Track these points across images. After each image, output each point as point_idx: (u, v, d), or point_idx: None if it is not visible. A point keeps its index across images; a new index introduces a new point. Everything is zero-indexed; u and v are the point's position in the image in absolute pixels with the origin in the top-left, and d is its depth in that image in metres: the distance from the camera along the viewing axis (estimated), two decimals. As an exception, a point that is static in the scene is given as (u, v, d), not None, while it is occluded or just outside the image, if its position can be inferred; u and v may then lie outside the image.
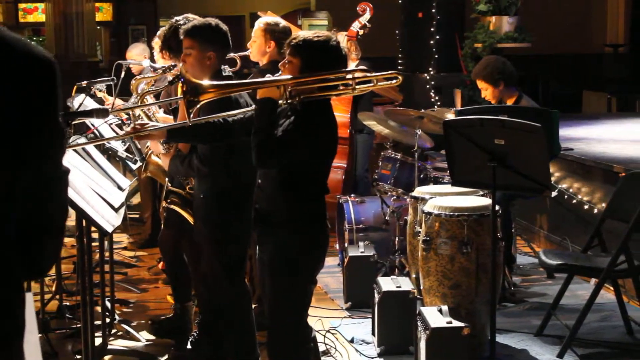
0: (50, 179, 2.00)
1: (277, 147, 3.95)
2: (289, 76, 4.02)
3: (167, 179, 5.33)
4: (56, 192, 2.04)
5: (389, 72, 4.21)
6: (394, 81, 4.20)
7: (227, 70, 4.94)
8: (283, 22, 5.95)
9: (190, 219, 5.06)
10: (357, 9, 8.10)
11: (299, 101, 4.01)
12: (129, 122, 6.19)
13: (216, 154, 4.70)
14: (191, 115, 3.98)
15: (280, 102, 4.00)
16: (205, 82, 4.11)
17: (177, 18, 5.42)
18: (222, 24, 4.87)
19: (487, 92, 6.74)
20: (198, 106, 4.00)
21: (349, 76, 4.17)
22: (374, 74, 4.21)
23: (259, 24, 5.85)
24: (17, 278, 1.99)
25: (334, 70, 4.05)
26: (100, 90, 7.92)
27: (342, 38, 8.03)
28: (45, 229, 2.03)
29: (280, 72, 4.15)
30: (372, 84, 4.27)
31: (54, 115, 1.98)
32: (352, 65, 6.84)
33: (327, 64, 4.03)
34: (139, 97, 5.22)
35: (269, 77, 4.09)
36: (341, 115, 7.91)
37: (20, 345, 1.99)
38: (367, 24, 8.06)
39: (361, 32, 8.08)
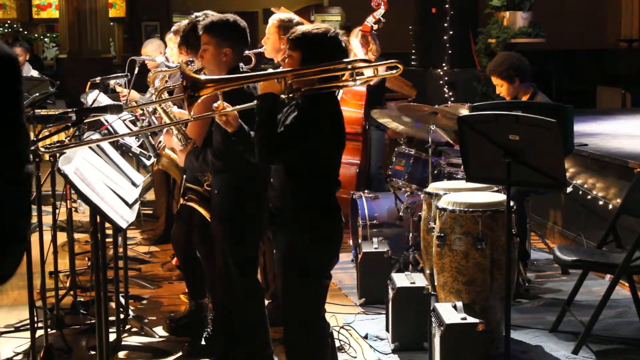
0: (10, 182, 1.92)
1: (278, 142, 3.95)
2: (289, 68, 4.02)
3: (184, 176, 5.32)
4: (17, 196, 1.96)
5: (390, 61, 4.18)
6: (395, 71, 4.16)
7: (243, 67, 4.93)
8: (297, 18, 5.93)
9: (207, 215, 5.05)
10: (372, 3, 8.08)
11: (300, 95, 4.00)
12: (143, 117, 6.21)
13: (231, 149, 4.69)
14: (192, 111, 4.01)
15: (282, 96, 3.99)
16: (203, 76, 4.12)
17: (197, 14, 5.42)
18: (241, 20, 4.85)
19: (502, 88, 6.72)
20: (199, 100, 4.00)
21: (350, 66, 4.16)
22: (374, 63, 4.19)
23: (273, 20, 5.83)
24: None
25: (334, 61, 4.04)
26: (120, 85, 7.94)
27: (356, 33, 8.03)
28: (7, 235, 1.95)
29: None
30: (373, 75, 4.26)
31: (15, 114, 1.91)
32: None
33: (326, 56, 4.01)
34: (156, 93, 5.22)
35: (270, 71, 4.10)
36: (355, 111, 7.90)
37: None
38: (382, 18, 8.04)
39: (375, 26, 8.05)
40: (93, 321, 5.25)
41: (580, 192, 7.42)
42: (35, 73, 11.44)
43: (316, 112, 4.02)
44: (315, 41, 4.02)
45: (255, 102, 4.06)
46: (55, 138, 5.72)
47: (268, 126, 3.94)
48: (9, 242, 1.97)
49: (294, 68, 4.02)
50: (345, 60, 4.11)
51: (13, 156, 1.92)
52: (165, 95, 5.37)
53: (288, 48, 4.07)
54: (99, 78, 7.36)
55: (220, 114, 4.13)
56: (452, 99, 11.90)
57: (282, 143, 3.96)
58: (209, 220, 5.03)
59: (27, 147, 2.00)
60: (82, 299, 6.21)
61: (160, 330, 5.83)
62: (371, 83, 7.99)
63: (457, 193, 5.69)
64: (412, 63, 13.18)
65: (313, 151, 4.02)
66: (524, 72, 6.68)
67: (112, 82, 7.83)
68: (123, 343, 5.54)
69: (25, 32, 18.83)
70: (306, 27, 4.13)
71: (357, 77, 4.14)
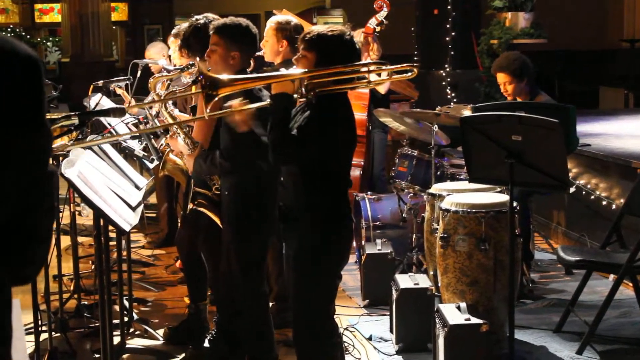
0: (34, 181, 1.93)
1: (292, 142, 3.97)
2: (307, 69, 4.04)
3: (191, 180, 5.30)
4: (41, 196, 1.96)
5: (404, 64, 4.20)
6: (409, 74, 4.19)
7: (247, 71, 4.94)
8: (294, 20, 5.92)
9: (217, 220, 5.04)
10: (374, 5, 8.07)
11: (314, 95, 4.02)
12: (145, 120, 6.21)
13: (240, 150, 4.69)
14: (208, 109, 4.01)
15: (295, 96, 4.01)
16: (224, 76, 4.13)
17: (197, 17, 5.42)
18: (253, 26, 4.86)
19: (509, 86, 6.66)
20: (216, 99, 4.01)
21: (364, 69, 4.19)
22: (389, 67, 4.21)
23: (270, 23, 5.83)
24: (4, 285, 1.95)
25: (350, 63, 4.06)
26: (119, 87, 7.96)
27: (359, 35, 8.01)
28: (29, 235, 1.95)
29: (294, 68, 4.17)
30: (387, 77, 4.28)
31: (38, 114, 1.92)
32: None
33: (341, 57, 4.04)
34: (164, 98, 5.22)
35: (283, 70, 4.12)
36: (359, 114, 7.89)
37: (8, 352, 1.96)
38: (384, 20, 8.03)
39: (378, 28, 8.05)
40: (97, 324, 5.25)
41: (584, 193, 7.42)
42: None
43: (330, 112, 4.04)
44: (330, 43, 4.04)
45: (268, 101, 4.08)
46: (58, 141, 5.72)
47: (282, 126, 3.97)
48: (33, 241, 1.97)
49: (309, 69, 4.04)
50: (362, 62, 4.14)
51: (37, 156, 1.94)
52: (170, 102, 5.37)
53: (303, 48, 4.09)
54: (102, 81, 7.37)
55: (238, 112, 4.10)
56: (455, 100, 11.90)
57: (297, 143, 3.98)
58: (219, 224, 5.02)
59: (50, 147, 2.01)
60: (86, 302, 6.22)
61: (163, 333, 5.82)
62: (381, 91, 8.01)
63: (460, 194, 5.69)
64: (415, 64, 13.16)
65: (326, 151, 4.03)
66: (531, 74, 6.67)
67: (113, 84, 7.84)
68: (127, 346, 5.54)
69: (28, 37, 18.82)
70: (322, 28, 4.14)
71: (372, 80, 4.18)
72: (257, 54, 5.84)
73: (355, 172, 8.09)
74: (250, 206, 4.81)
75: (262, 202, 4.81)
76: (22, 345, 2.61)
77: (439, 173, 6.87)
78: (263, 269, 5.02)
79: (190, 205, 5.24)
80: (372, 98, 8.09)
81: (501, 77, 6.70)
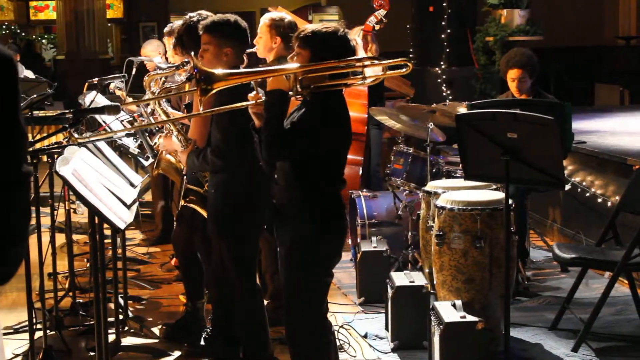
0: (8, 182, 1.92)
1: (285, 140, 3.95)
2: (301, 64, 4.02)
3: (184, 178, 5.30)
4: (15, 197, 1.94)
5: (399, 59, 4.18)
6: (404, 69, 4.17)
7: (240, 67, 4.93)
8: (288, 17, 5.91)
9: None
10: (374, 4, 8.06)
11: (308, 92, 4.01)
12: (141, 119, 6.20)
13: (231, 148, 4.69)
14: (202, 105, 3.99)
15: (290, 94, 3.99)
16: (219, 70, 4.12)
17: (191, 14, 5.42)
18: (241, 20, 4.85)
19: (523, 83, 6.63)
20: (211, 93, 3.98)
21: (359, 64, 4.17)
22: (383, 62, 4.19)
23: (264, 19, 5.83)
24: None
25: (344, 59, 4.05)
26: (119, 89, 7.94)
27: (357, 33, 8.01)
28: (6, 235, 1.94)
29: None
30: (382, 73, 4.26)
31: (12, 114, 1.90)
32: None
33: (335, 53, 4.02)
34: (159, 93, 5.21)
35: (278, 65, 4.10)
36: (357, 113, 7.87)
37: None
38: (384, 18, 8.02)
39: (377, 26, 8.04)
40: (92, 322, 5.24)
41: (579, 190, 7.42)
42: (29, 73, 11.42)
43: (324, 109, 4.03)
44: (324, 39, 4.03)
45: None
46: (53, 139, 5.72)
47: (276, 123, 3.94)
48: (8, 243, 1.96)
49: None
50: (356, 57, 4.14)
51: (10, 156, 1.92)
52: (164, 100, 5.36)
53: (297, 46, 4.08)
54: (97, 79, 7.35)
55: (257, 105, 4.06)
56: (450, 97, 11.90)
57: (289, 140, 3.96)
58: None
59: (25, 147, 2.00)
60: (81, 300, 6.20)
61: (159, 331, 5.82)
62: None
63: (455, 191, 5.68)
64: (409, 60, 13.15)
65: (320, 149, 4.02)
66: (538, 73, 6.70)
67: (111, 85, 7.82)
68: (122, 344, 5.53)
69: (23, 34, 18.82)
70: (315, 25, 4.14)
71: (367, 76, 4.15)
72: (250, 50, 5.84)
73: (356, 170, 8.07)
74: (240, 203, 4.80)
75: (252, 200, 4.80)
76: (0, 344, 2.59)
77: (434, 170, 6.87)
78: (255, 265, 5.01)
79: (181, 202, 5.24)
80: (370, 95, 8.08)
81: (517, 74, 6.63)
